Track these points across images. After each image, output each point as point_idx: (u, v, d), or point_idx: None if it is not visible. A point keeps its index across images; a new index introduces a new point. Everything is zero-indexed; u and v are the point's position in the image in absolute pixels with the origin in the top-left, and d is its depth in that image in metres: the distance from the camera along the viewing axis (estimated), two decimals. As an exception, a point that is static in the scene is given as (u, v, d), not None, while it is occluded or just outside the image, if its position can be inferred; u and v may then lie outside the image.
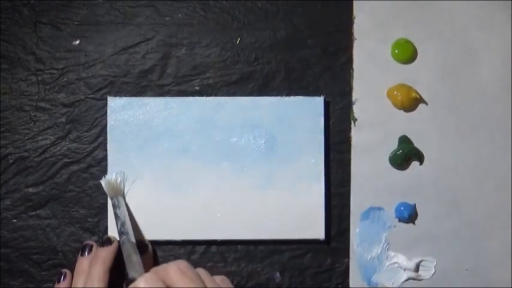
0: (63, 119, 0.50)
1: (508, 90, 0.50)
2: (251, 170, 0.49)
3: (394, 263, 0.50)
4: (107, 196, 0.49)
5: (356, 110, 0.50)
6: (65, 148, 0.50)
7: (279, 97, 0.50)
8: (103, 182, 0.49)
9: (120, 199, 0.48)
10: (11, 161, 0.50)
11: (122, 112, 0.49)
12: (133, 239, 0.45)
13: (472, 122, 0.50)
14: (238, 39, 0.50)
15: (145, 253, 0.48)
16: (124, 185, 0.49)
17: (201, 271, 0.41)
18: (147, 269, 0.47)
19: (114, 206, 0.47)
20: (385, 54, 0.50)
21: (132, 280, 0.41)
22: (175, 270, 0.39)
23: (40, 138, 0.50)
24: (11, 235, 0.50)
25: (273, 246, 0.50)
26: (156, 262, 0.49)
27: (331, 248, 0.50)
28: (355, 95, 0.50)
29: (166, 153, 0.49)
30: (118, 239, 0.47)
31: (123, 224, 0.46)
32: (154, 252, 0.49)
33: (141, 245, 0.48)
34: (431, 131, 0.50)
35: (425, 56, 0.50)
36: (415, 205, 0.50)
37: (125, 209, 0.48)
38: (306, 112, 0.49)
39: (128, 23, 0.50)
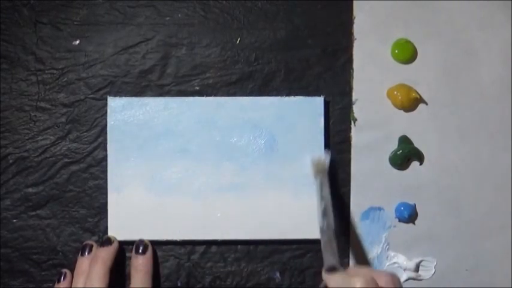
0: (63, 119, 0.50)
1: (508, 90, 0.50)
2: (251, 170, 0.49)
3: (394, 263, 0.50)
4: (107, 196, 0.49)
5: (356, 110, 0.50)
6: (65, 148, 0.50)
7: (279, 97, 0.50)
8: (309, 159, 0.47)
9: (327, 179, 0.46)
10: (11, 161, 0.50)
11: (122, 112, 0.49)
12: (333, 225, 0.42)
13: (472, 122, 0.50)
14: (238, 39, 0.50)
15: (145, 253, 0.48)
16: (328, 164, 0.47)
17: None
18: (148, 269, 0.47)
19: (321, 186, 0.45)
20: (385, 54, 0.50)
21: (334, 269, 0.38)
22: (387, 281, 0.37)
23: (40, 138, 0.50)
24: (11, 235, 0.50)
25: (273, 246, 0.50)
26: (156, 262, 0.49)
27: (331, 248, 0.50)
28: (355, 95, 0.50)
29: (166, 153, 0.49)
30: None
31: (326, 207, 0.44)
32: (154, 252, 0.49)
33: (141, 245, 0.48)
34: (431, 131, 0.50)
35: (425, 56, 0.50)
36: (415, 205, 0.50)
37: (329, 191, 0.45)
38: (306, 112, 0.49)
39: (127, 23, 0.50)
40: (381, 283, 0.36)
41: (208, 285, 0.50)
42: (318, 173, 0.47)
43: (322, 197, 0.45)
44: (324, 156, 0.48)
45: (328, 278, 0.37)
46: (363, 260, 0.50)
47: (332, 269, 0.37)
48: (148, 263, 0.48)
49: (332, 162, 0.50)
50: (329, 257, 0.40)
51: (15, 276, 0.50)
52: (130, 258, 0.49)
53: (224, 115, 0.49)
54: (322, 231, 0.43)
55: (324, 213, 0.43)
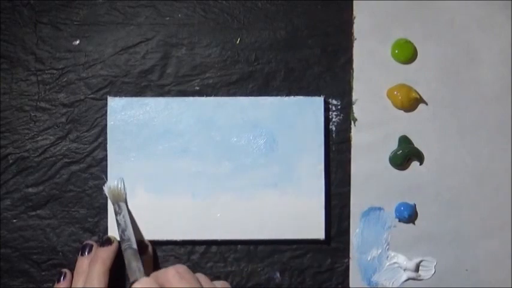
0: (63, 119, 0.50)
1: (508, 90, 0.50)
2: (251, 170, 0.49)
3: (394, 263, 0.50)
4: (107, 196, 0.49)
5: (356, 110, 0.50)
6: (65, 148, 0.50)
7: (279, 97, 0.50)
8: (105, 188, 0.49)
9: (122, 205, 0.48)
10: (11, 161, 0.50)
11: (122, 112, 0.49)
12: (134, 246, 0.45)
13: (472, 122, 0.50)
14: (238, 39, 0.50)
15: (145, 253, 0.48)
16: (125, 191, 0.49)
17: (201, 276, 0.41)
18: (147, 269, 0.47)
19: (116, 213, 0.47)
20: (385, 54, 0.50)
21: (132, 283, 0.41)
22: (173, 274, 0.39)
23: (40, 138, 0.50)
24: (11, 235, 0.50)
25: (273, 246, 0.50)
26: (156, 262, 0.49)
27: (331, 248, 0.50)
28: (355, 95, 0.50)
29: (166, 153, 0.49)
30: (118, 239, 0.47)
31: (123, 231, 0.46)
32: (154, 252, 0.49)
33: (141, 245, 0.48)
34: (431, 131, 0.50)
35: (425, 56, 0.50)
36: (415, 205, 0.50)
37: (127, 214, 0.48)
38: (306, 112, 0.49)
39: (128, 23, 0.50)
40: (168, 278, 0.39)
41: (208, 285, 0.50)
42: (113, 201, 0.48)
43: (119, 224, 0.47)
44: (120, 184, 0.49)
45: None
46: (363, 260, 0.50)
47: (131, 284, 0.41)
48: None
49: (332, 162, 0.50)
50: (131, 276, 0.43)
51: (15, 276, 0.50)
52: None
53: (224, 115, 0.49)
54: (123, 252, 0.45)
55: (122, 239, 0.46)
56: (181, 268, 0.40)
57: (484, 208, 0.50)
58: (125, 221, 0.47)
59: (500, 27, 0.50)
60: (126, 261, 0.44)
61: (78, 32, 0.50)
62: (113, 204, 0.48)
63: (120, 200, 0.48)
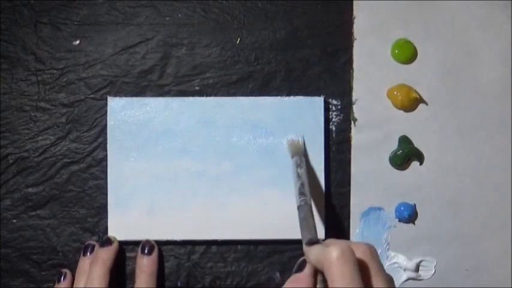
0: (63, 119, 0.50)
1: (508, 90, 0.50)
2: (251, 170, 0.49)
3: (394, 263, 0.50)
4: (106, 196, 0.49)
5: (356, 110, 0.50)
6: (65, 148, 0.50)
7: (279, 97, 0.50)
8: (285, 140, 0.48)
9: (303, 158, 0.47)
10: (11, 161, 0.50)
11: (122, 112, 0.49)
12: (310, 202, 0.43)
13: (472, 122, 0.50)
14: (238, 39, 0.50)
15: (151, 255, 0.48)
16: (304, 146, 0.48)
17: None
18: (152, 270, 0.47)
19: (296, 165, 0.46)
20: (385, 54, 0.50)
21: (314, 241, 0.37)
22: (364, 251, 0.36)
23: (40, 138, 0.50)
24: (11, 235, 0.50)
25: (273, 246, 0.50)
26: (160, 263, 0.49)
27: (331, 248, 0.50)
28: (355, 95, 0.50)
29: (166, 153, 0.49)
30: (297, 201, 0.44)
31: (303, 185, 0.44)
32: (160, 253, 0.49)
33: (147, 245, 0.48)
34: (431, 131, 0.50)
35: (425, 56, 0.50)
36: (415, 205, 0.50)
37: (305, 170, 0.46)
38: (306, 112, 0.49)
39: (128, 23, 0.50)
40: (358, 253, 0.35)
41: (208, 285, 0.50)
42: (293, 154, 0.47)
43: (298, 176, 0.45)
44: (299, 138, 0.48)
45: (307, 251, 0.37)
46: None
47: (311, 243, 0.37)
48: (154, 264, 0.48)
49: (332, 162, 0.50)
50: (306, 232, 0.40)
51: (15, 276, 0.50)
52: (130, 258, 0.49)
53: (224, 115, 0.49)
54: (298, 208, 0.43)
55: (300, 191, 0.44)
56: (373, 248, 0.36)
57: (484, 208, 0.50)
58: (304, 176, 0.45)
59: (500, 27, 0.50)
60: (300, 217, 0.42)
61: (78, 32, 0.50)
62: (293, 157, 0.47)
63: (300, 152, 0.47)
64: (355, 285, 0.33)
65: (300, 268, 0.36)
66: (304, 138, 0.49)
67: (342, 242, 0.36)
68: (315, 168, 0.49)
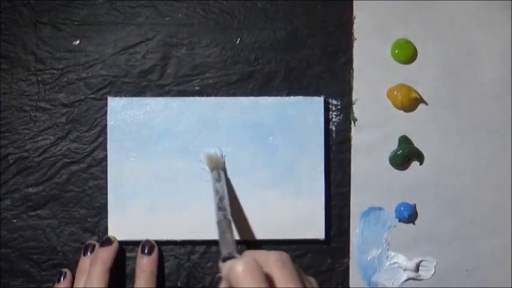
0: (63, 119, 0.50)
1: (508, 90, 0.50)
2: (251, 170, 0.49)
3: (394, 263, 0.50)
4: (107, 196, 0.49)
5: (356, 110, 0.50)
6: (65, 148, 0.50)
7: (279, 97, 0.50)
8: (203, 155, 0.48)
9: (221, 172, 0.47)
10: (11, 161, 0.50)
11: (122, 112, 0.49)
12: (229, 216, 0.43)
13: (472, 122, 0.50)
14: (238, 39, 0.50)
15: (151, 254, 0.48)
16: (224, 159, 0.48)
17: (299, 269, 0.38)
18: (152, 270, 0.47)
19: (215, 179, 0.46)
20: (385, 54, 0.50)
21: (227, 257, 0.37)
22: (275, 260, 0.36)
23: (40, 138, 0.50)
24: (11, 235, 0.50)
25: (273, 246, 0.50)
26: (160, 263, 0.49)
27: (331, 248, 0.50)
28: (355, 95, 0.50)
29: (166, 153, 0.49)
30: (218, 217, 0.43)
31: (221, 199, 0.44)
32: (160, 253, 0.49)
33: (147, 245, 0.48)
34: (431, 131, 0.50)
35: (425, 56, 0.50)
36: (415, 205, 0.50)
37: (225, 183, 0.46)
38: (306, 112, 0.49)
39: (128, 23, 0.50)
40: (270, 263, 0.35)
41: (208, 285, 0.50)
42: (212, 168, 0.48)
43: (216, 190, 0.45)
44: (217, 151, 0.49)
45: (222, 267, 0.37)
46: (362, 260, 0.50)
47: (225, 259, 0.37)
48: (154, 263, 0.47)
49: (332, 162, 0.50)
50: (224, 248, 0.39)
51: (15, 276, 0.50)
52: (130, 258, 0.49)
53: (224, 115, 0.49)
54: (218, 223, 0.43)
55: (218, 206, 0.44)
56: (285, 256, 0.36)
57: (484, 208, 0.50)
58: (223, 190, 0.45)
59: (500, 27, 0.50)
60: (219, 232, 0.42)
61: (78, 32, 0.50)
62: (212, 171, 0.47)
63: (219, 167, 0.48)
64: None
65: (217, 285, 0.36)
66: (305, 138, 0.49)
67: (250, 254, 0.36)
68: (315, 168, 0.49)
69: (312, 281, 0.38)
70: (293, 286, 0.35)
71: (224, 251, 0.38)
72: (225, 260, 0.37)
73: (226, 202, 0.44)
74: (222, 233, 0.41)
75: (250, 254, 0.36)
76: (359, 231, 0.50)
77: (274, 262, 0.36)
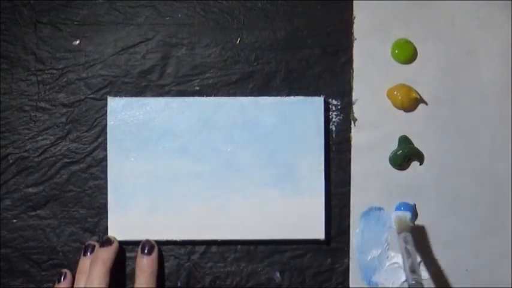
0: (63, 119, 0.50)
1: (508, 90, 0.50)
2: (251, 170, 0.49)
3: (394, 263, 0.50)
4: (107, 196, 0.49)
5: (356, 110, 0.50)
6: (65, 148, 0.50)
7: (279, 97, 0.50)
8: (393, 215, 0.49)
9: (408, 235, 0.46)
10: (11, 161, 0.50)
11: (122, 112, 0.49)
12: (421, 282, 0.43)
13: (472, 122, 0.50)
14: (238, 39, 0.50)
15: (151, 254, 0.48)
16: (412, 222, 0.49)
17: None
18: (152, 270, 0.47)
19: (406, 242, 0.46)
20: (385, 54, 0.50)
21: None
22: None
23: (40, 138, 0.50)
24: (11, 235, 0.50)
25: (273, 246, 0.50)
26: (160, 263, 0.49)
27: (331, 248, 0.50)
28: (355, 95, 0.50)
29: (166, 153, 0.49)
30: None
31: (414, 262, 0.44)
32: (160, 253, 0.49)
33: (147, 245, 0.48)
34: (431, 131, 0.50)
35: (425, 56, 0.50)
36: (415, 205, 0.50)
37: (413, 246, 0.46)
38: (306, 112, 0.49)
39: (128, 23, 0.50)
40: None
41: (208, 285, 0.50)
42: (401, 229, 0.47)
43: (409, 253, 0.45)
44: (406, 214, 0.49)
45: None
46: (363, 260, 0.50)
47: None
48: (154, 264, 0.47)
49: (332, 162, 0.50)
50: None
51: (15, 276, 0.50)
52: (130, 258, 0.49)
53: (224, 115, 0.49)
54: (409, 286, 0.43)
55: (412, 270, 0.44)
56: None
57: (484, 208, 0.50)
58: (414, 253, 0.45)
59: (500, 27, 0.50)
60: None
61: (78, 32, 0.50)
62: (400, 233, 0.47)
63: (407, 228, 0.47)
64: None
65: None
66: (305, 138, 0.49)
67: None
68: (315, 168, 0.49)
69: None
70: None
71: None
72: None
73: (417, 266, 0.44)
74: None
75: None
76: (359, 231, 0.50)
77: None
